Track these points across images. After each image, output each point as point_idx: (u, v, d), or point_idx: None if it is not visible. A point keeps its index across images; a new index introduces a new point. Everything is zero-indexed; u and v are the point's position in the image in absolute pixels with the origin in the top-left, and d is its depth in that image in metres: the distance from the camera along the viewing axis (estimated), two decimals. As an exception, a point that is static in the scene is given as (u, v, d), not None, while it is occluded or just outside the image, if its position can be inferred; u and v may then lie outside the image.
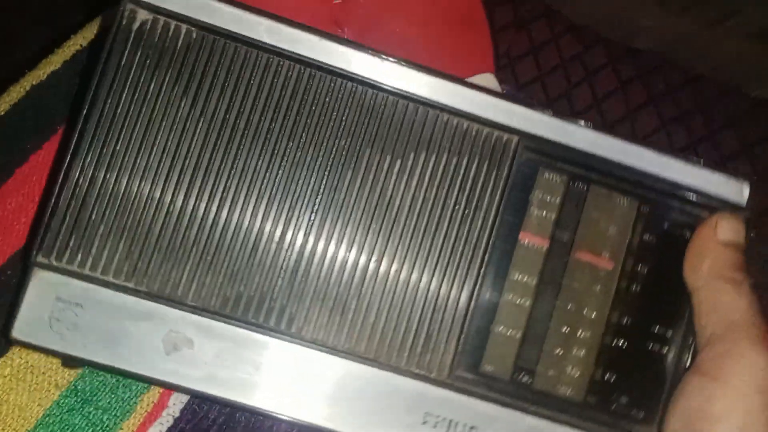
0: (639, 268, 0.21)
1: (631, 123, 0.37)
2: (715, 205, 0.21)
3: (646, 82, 0.37)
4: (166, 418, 0.23)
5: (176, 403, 0.24)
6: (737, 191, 0.22)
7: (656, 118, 0.37)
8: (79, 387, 0.23)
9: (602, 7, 0.39)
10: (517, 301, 0.21)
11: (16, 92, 0.26)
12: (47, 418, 0.23)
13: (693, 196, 0.21)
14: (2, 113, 0.26)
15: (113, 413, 0.23)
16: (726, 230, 0.20)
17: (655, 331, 0.21)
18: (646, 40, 0.39)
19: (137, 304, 0.19)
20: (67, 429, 0.23)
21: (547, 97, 0.36)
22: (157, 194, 0.20)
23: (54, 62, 0.27)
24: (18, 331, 0.19)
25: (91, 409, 0.23)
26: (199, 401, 0.24)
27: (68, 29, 0.30)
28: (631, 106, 0.37)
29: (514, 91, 0.31)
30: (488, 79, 0.27)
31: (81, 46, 0.28)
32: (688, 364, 0.21)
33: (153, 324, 0.19)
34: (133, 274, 0.20)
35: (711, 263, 0.20)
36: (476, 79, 0.27)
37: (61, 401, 0.23)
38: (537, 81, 0.35)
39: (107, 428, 0.23)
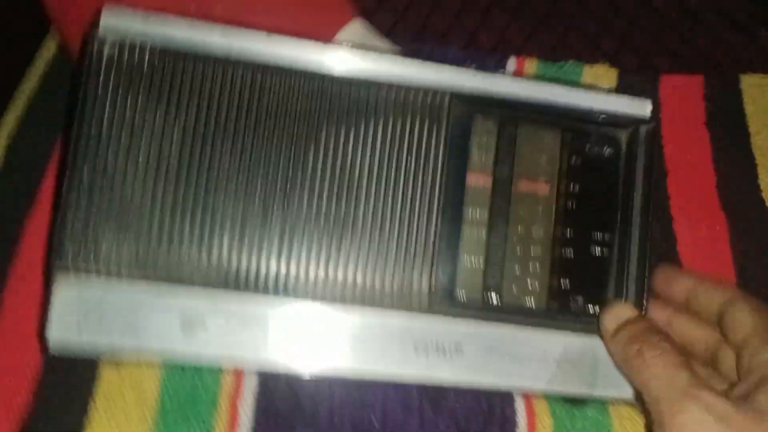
0: (572, 188, 0.29)
1: (484, 20, 0.46)
2: (624, 122, 0.29)
3: None
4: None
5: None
6: (641, 107, 0.29)
7: (489, 8, 0.46)
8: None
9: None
10: (475, 234, 0.28)
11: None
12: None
13: (605, 118, 0.29)
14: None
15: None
16: (611, 321, 0.27)
17: (595, 237, 0.29)
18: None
19: (149, 288, 0.25)
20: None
21: (410, 32, 0.44)
22: (149, 193, 0.26)
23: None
24: (53, 342, 0.25)
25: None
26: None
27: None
28: (478, 8, 0.46)
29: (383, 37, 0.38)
30: (357, 26, 0.33)
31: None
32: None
33: (166, 304, 0.26)
34: (142, 264, 0.26)
35: (619, 355, 0.26)
36: (348, 28, 0.33)
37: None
38: (398, 26, 0.44)
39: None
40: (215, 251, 0.26)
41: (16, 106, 0.37)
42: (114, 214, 0.26)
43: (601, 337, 0.28)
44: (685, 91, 0.44)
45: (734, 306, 0.27)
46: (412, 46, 0.42)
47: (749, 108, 0.43)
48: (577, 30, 0.49)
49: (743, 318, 0.27)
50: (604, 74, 0.45)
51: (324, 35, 0.33)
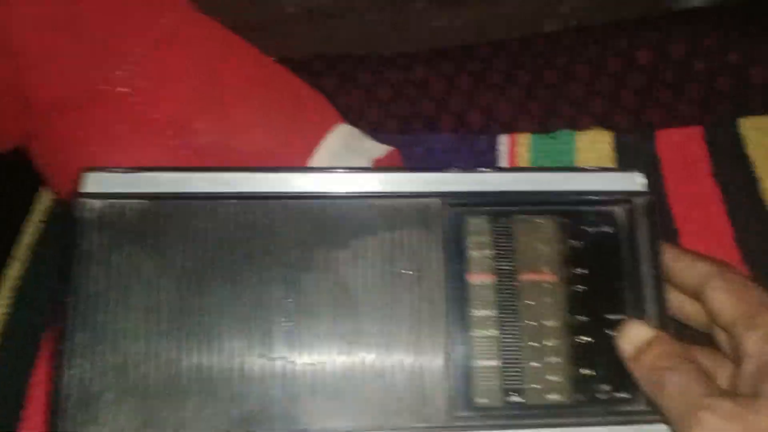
0: (577, 271, 0.29)
1: (470, 100, 0.48)
2: (618, 198, 0.30)
3: (447, 70, 0.49)
4: None
5: None
6: (632, 181, 0.30)
7: (474, 88, 0.48)
8: None
9: (375, 33, 0.52)
10: (486, 334, 0.28)
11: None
12: None
13: (597, 197, 0.30)
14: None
15: None
16: (628, 343, 0.27)
17: (610, 318, 0.29)
18: (437, 40, 0.52)
19: (158, 450, 0.26)
20: None
21: (398, 122, 0.46)
22: (146, 350, 0.26)
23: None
24: None
25: None
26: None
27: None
28: (463, 89, 0.49)
29: (373, 134, 0.39)
30: (342, 131, 0.35)
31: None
32: None
33: (178, 462, 0.26)
34: (144, 427, 0.26)
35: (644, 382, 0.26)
36: (334, 134, 0.34)
37: None
38: (387, 118, 0.46)
39: None
40: (220, 397, 0.26)
41: (20, 254, 0.39)
42: (113, 373, 0.26)
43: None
44: (684, 145, 0.44)
45: (710, 284, 0.28)
46: (400, 138, 0.44)
47: (753, 153, 0.44)
48: (564, 97, 0.51)
49: (720, 298, 0.28)
50: (599, 138, 0.46)
51: (309, 144, 0.35)
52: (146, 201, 0.28)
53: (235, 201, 0.28)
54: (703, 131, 0.45)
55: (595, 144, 0.45)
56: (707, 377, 0.25)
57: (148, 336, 0.27)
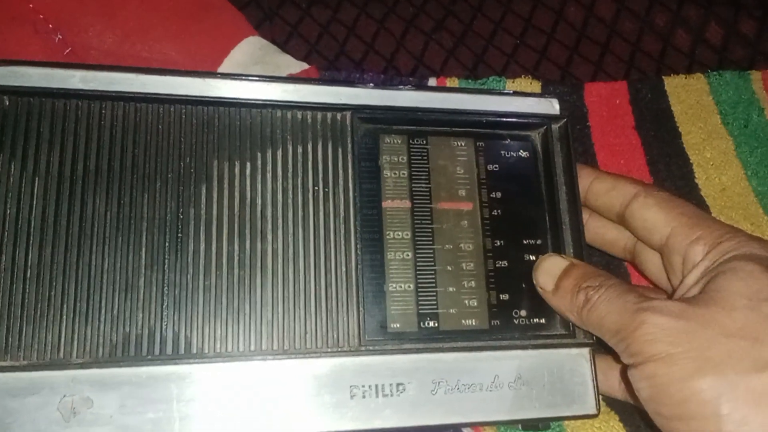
0: (494, 195, 0.31)
1: (400, 44, 0.50)
2: (536, 122, 0.32)
3: (377, 14, 0.50)
4: None
5: None
6: (550, 106, 0.32)
7: (405, 32, 0.50)
8: None
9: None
10: (400, 257, 0.29)
11: None
12: None
13: (516, 121, 0.31)
14: None
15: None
16: (545, 275, 0.29)
17: (526, 243, 0.30)
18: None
19: (19, 380, 0.25)
20: None
21: (324, 61, 0.47)
22: (9, 263, 0.25)
23: None
24: None
25: None
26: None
27: None
28: (393, 33, 0.50)
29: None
30: (253, 41, 0.36)
31: None
32: None
33: (42, 396, 0.25)
34: (6, 351, 0.25)
35: (565, 306, 0.28)
36: (244, 44, 0.35)
37: None
38: (311, 54, 0.46)
39: None
40: (99, 319, 0.26)
41: None
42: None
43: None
44: (610, 99, 0.48)
45: (637, 202, 0.29)
46: (326, 74, 0.44)
47: (677, 108, 0.48)
48: (495, 47, 0.53)
49: (651, 214, 0.29)
50: (528, 87, 0.48)
51: (216, 54, 0.35)
52: (13, 97, 0.26)
53: (120, 103, 0.27)
54: (627, 86, 0.49)
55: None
56: (639, 290, 0.26)
57: (7, 247, 0.25)
